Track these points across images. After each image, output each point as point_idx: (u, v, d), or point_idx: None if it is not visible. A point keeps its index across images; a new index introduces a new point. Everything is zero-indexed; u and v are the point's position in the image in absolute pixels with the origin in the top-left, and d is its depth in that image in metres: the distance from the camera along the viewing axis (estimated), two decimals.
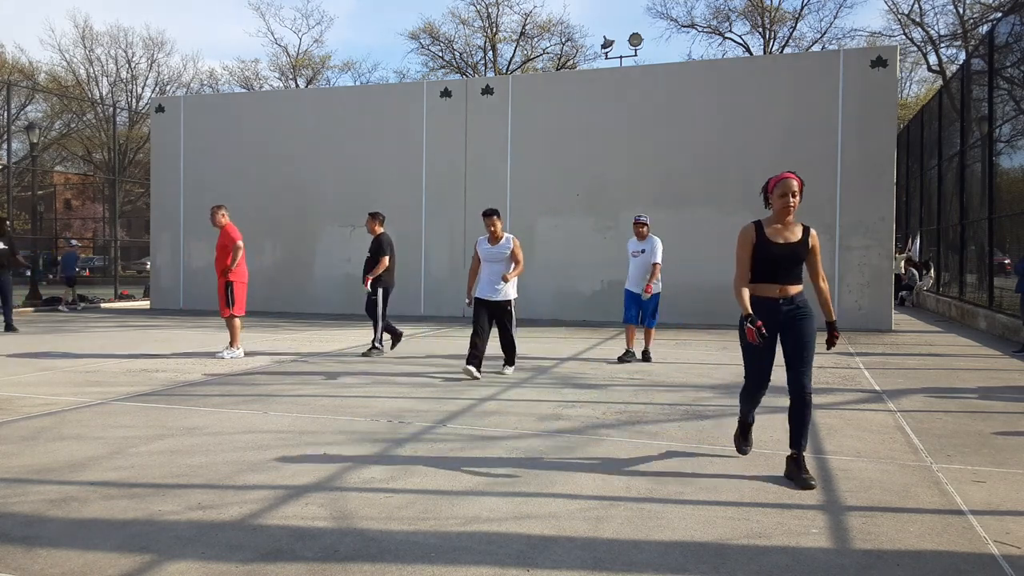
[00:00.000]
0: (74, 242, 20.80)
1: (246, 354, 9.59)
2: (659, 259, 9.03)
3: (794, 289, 4.35)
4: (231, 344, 9.52)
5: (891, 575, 3.07)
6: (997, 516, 3.74)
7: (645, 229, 9.09)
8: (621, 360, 9.14)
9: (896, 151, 14.05)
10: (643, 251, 9.05)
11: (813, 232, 4.44)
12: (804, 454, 4.33)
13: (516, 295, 8.16)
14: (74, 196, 43.50)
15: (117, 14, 69.48)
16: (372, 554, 3.24)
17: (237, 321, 9.56)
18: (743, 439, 4.72)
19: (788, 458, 4.36)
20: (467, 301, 8.23)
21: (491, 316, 8.00)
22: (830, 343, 4.42)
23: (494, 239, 8.08)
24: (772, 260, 4.31)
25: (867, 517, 3.70)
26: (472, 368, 7.74)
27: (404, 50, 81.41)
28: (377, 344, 9.71)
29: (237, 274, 9.52)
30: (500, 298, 7.97)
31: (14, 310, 13.31)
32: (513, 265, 8.06)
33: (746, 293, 4.37)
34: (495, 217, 8.05)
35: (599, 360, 9.37)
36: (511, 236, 8.13)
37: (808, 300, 4.44)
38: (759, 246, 4.34)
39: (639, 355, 9.28)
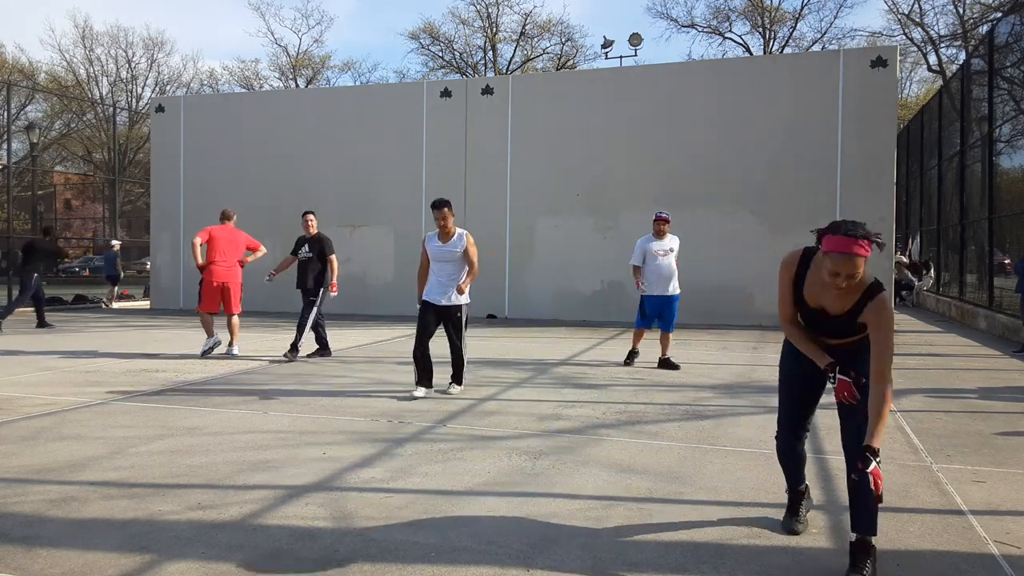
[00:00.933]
0: (114, 243, 20.64)
1: (243, 355, 9.59)
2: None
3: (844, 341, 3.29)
4: (229, 341, 9.68)
5: (891, 575, 3.07)
6: (997, 516, 3.74)
7: (668, 226, 8.77)
8: (629, 363, 8.90)
9: (896, 151, 14.05)
10: (671, 250, 8.73)
11: (878, 301, 3.03)
12: (871, 540, 3.09)
13: (468, 300, 7.11)
14: (74, 196, 43.50)
15: (117, 14, 69.49)
16: (372, 554, 3.24)
17: (204, 316, 9.58)
18: (790, 514, 3.58)
19: (851, 544, 3.13)
20: (419, 306, 7.20)
21: (438, 322, 7.06)
22: (858, 469, 2.88)
23: (445, 235, 7.02)
24: (804, 316, 3.32)
25: None
26: (421, 389, 6.89)
27: (404, 50, 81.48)
28: (299, 346, 9.25)
29: (206, 271, 9.53)
30: (449, 303, 6.99)
31: (18, 308, 13.55)
32: (466, 269, 7.07)
33: (799, 336, 3.35)
34: (446, 210, 6.95)
35: (599, 360, 9.36)
36: (464, 232, 7.07)
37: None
38: (796, 290, 3.28)
39: (656, 362, 8.86)
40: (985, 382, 7.89)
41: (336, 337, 9.80)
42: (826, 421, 5.87)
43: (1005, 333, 11.79)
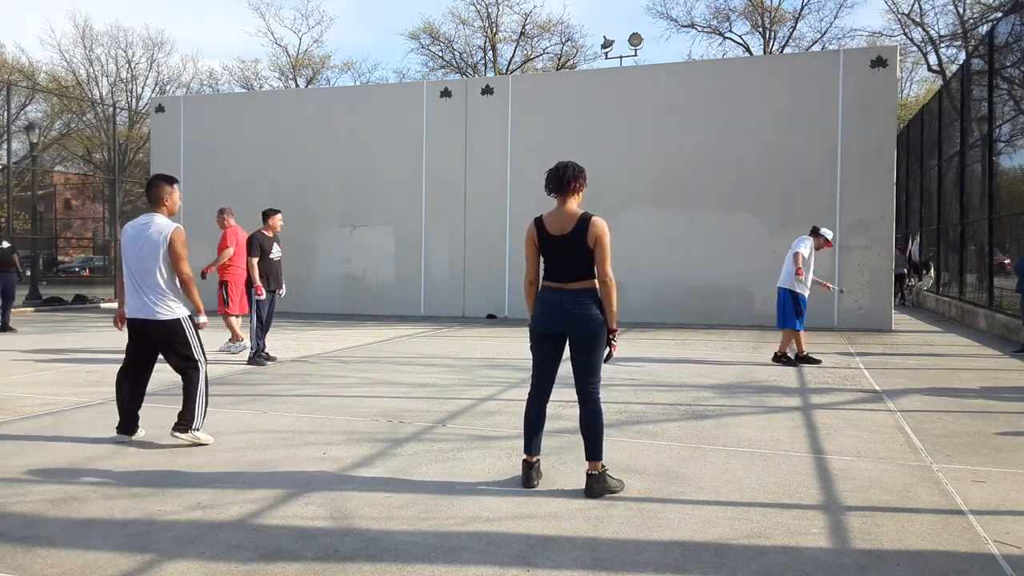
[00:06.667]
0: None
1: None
2: (799, 250, 8.84)
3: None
4: (232, 339, 9.79)
5: (891, 575, 3.07)
6: (997, 516, 3.74)
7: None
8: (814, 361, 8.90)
9: (896, 151, 14.05)
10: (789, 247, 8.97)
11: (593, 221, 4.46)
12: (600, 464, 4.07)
13: (186, 312, 5.07)
14: (74, 196, 43.45)
15: (117, 14, 69.44)
16: (372, 554, 3.24)
17: (232, 319, 9.77)
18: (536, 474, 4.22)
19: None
20: (120, 325, 5.20)
21: (152, 347, 5.13)
22: None
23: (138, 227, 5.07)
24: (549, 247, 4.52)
25: (867, 517, 3.70)
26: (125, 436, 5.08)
27: (404, 50, 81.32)
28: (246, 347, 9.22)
29: (233, 275, 9.69)
30: (160, 316, 4.97)
31: (12, 310, 13.46)
32: (163, 272, 4.97)
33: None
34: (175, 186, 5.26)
35: None
36: (174, 225, 5.06)
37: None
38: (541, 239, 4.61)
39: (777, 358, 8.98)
40: (985, 382, 7.88)
41: (336, 337, 9.80)
42: (826, 421, 5.87)
43: (1005, 333, 11.78)
